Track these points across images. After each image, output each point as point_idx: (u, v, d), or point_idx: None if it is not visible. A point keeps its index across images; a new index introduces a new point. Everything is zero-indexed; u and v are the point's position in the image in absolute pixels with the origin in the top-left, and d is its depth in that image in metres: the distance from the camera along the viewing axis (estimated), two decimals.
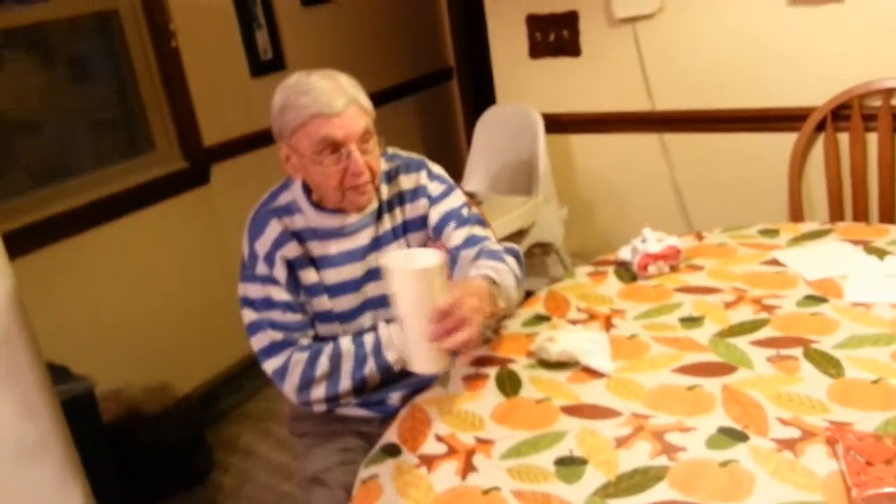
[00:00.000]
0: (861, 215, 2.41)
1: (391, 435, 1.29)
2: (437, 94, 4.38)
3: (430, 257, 1.20)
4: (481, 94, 4.13)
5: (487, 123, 3.04)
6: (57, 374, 1.94)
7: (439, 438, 1.25)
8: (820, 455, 1.08)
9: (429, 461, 1.20)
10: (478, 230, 1.52)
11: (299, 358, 1.42)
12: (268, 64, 3.28)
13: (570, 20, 2.75)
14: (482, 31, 3.02)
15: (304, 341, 1.44)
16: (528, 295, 1.74)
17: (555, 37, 2.79)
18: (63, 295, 2.56)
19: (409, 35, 4.13)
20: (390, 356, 1.38)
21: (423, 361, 1.19)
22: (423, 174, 1.53)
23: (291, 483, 2.53)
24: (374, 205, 1.49)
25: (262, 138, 3.17)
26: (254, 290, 1.46)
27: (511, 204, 2.71)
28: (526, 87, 2.94)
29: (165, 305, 2.89)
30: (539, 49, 2.84)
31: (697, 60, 2.59)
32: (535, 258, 3.02)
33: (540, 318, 1.60)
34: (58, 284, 2.55)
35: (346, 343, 1.42)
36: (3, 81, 2.49)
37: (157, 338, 2.85)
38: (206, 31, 3.02)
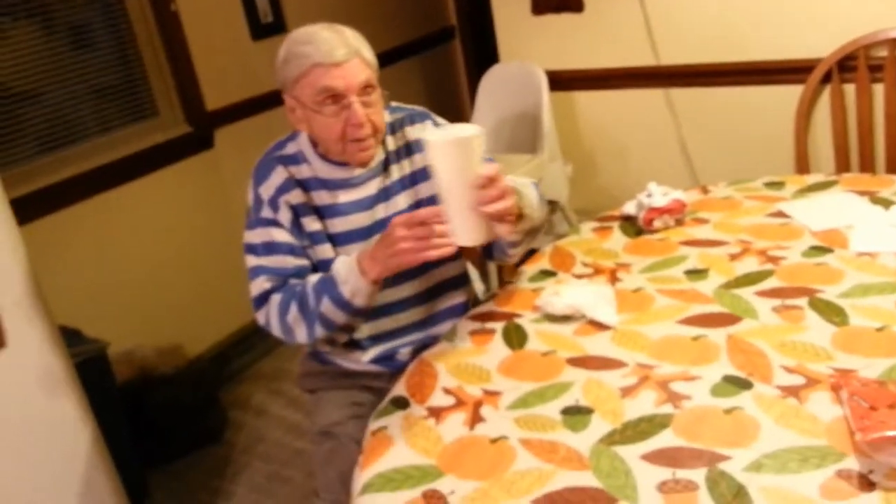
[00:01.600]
0: (867, 166, 2.40)
1: (399, 388, 1.31)
2: (440, 54, 4.34)
3: (469, 128, 1.19)
4: (484, 53, 4.09)
5: (490, 82, 3.02)
6: (69, 337, 1.97)
7: (447, 391, 1.27)
8: (824, 401, 1.09)
9: (437, 413, 1.22)
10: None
11: (275, 301, 1.43)
12: (268, 27, 3.26)
13: None
14: None
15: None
16: (533, 252, 1.75)
17: None
18: (73, 259, 2.59)
19: None
20: (344, 291, 1.35)
21: (466, 232, 1.20)
22: (429, 124, 1.54)
23: (304, 440, 2.57)
24: (381, 156, 1.49)
25: (265, 102, 3.16)
26: (256, 236, 1.47)
27: (516, 162, 2.70)
28: (529, 44, 2.91)
29: (175, 268, 2.91)
30: (541, 5, 2.81)
31: (702, 13, 2.56)
32: None
33: (545, 274, 1.61)
34: (67, 249, 2.57)
35: (312, 280, 1.42)
36: (4, 50, 2.48)
37: (168, 300, 2.88)
38: None
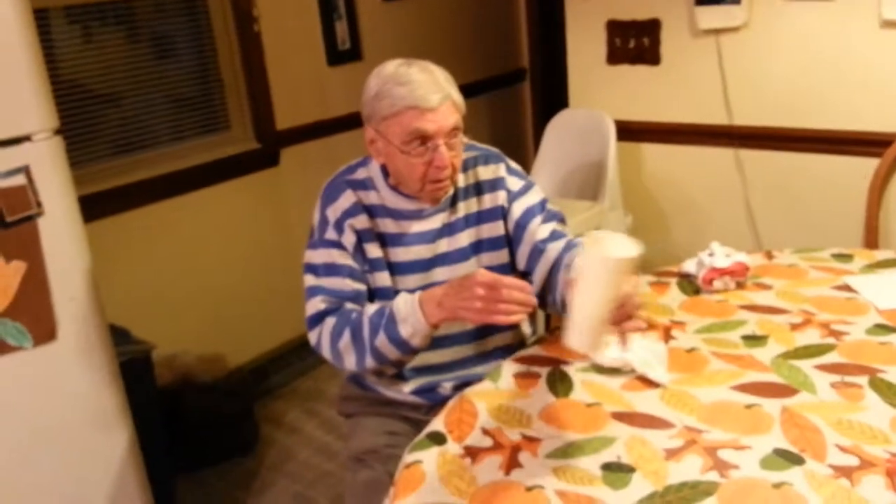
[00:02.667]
0: None
1: (438, 423, 1.29)
2: (509, 94, 4.37)
3: (629, 247, 1.17)
4: (553, 98, 4.09)
5: (558, 126, 3.02)
6: (118, 336, 2.00)
7: (486, 432, 1.24)
8: (878, 485, 1.04)
9: (473, 453, 1.19)
10: (560, 226, 1.53)
11: (329, 324, 1.43)
12: (345, 54, 3.32)
13: (652, 28, 2.71)
14: (559, 33, 3.00)
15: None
16: None
17: (635, 44, 2.75)
18: (130, 261, 2.64)
19: (485, 34, 4.12)
20: (403, 331, 1.34)
21: (585, 339, 1.16)
22: (503, 167, 1.54)
23: (333, 462, 2.55)
24: (450, 191, 1.50)
25: (334, 126, 3.21)
26: (318, 256, 1.48)
27: (576, 208, 2.68)
28: (600, 92, 2.91)
29: (226, 280, 2.95)
30: (617, 55, 2.81)
31: (780, 77, 2.53)
32: None
33: None
34: (126, 251, 2.63)
35: (369, 311, 1.40)
36: (90, 54, 2.57)
37: (216, 310, 2.91)
38: (288, 18, 3.07)
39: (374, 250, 1.48)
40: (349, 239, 1.46)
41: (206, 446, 2.59)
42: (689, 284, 1.72)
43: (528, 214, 1.52)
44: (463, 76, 3.90)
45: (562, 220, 1.55)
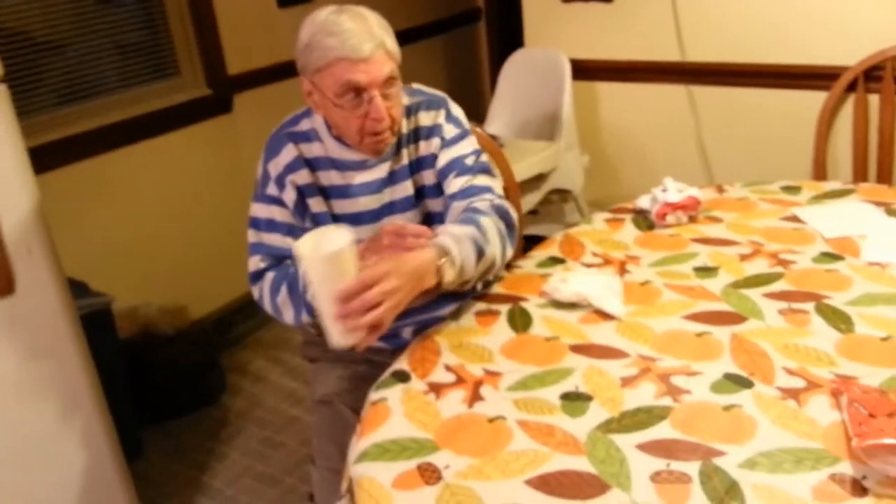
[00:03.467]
0: (885, 177, 2.39)
1: (401, 362, 1.31)
2: (465, 35, 4.32)
3: (339, 239, 1.18)
4: (509, 38, 4.07)
5: (514, 66, 3.01)
6: (76, 289, 1.99)
7: (448, 368, 1.27)
8: (823, 405, 1.09)
9: (437, 388, 1.22)
10: (480, 180, 1.49)
11: (268, 279, 1.46)
12: None
13: None
14: None
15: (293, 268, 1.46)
16: (542, 239, 1.75)
17: None
18: (84, 213, 2.60)
19: None
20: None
21: (334, 336, 1.20)
22: (442, 113, 1.52)
23: (299, 408, 2.59)
24: (391, 141, 1.48)
25: (286, 70, 3.15)
26: (261, 210, 1.49)
27: (532, 148, 2.69)
28: (555, 31, 2.89)
29: (184, 229, 2.92)
30: None
31: (731, 12, 2.54)
32: (553, 205, 3.01)
33: (554, 260, 1.61)
34: (80, 202, 2.58)
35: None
36: (31, 1, 2.48)
37: (175, 261, 2.89)
38: None
39: (317, 205, 1.48)
40: (290, 196, 1.46)
41: (172, 397, 2.61)
42: (644, 220, 1.76)
43: (449, 167, 1.49)
44: (417, 17, 3.88)
45: (486, 171, 1.51)
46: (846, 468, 0.97)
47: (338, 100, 1.35)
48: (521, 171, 2.51)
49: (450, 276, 1.29)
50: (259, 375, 2.83)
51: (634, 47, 2.76)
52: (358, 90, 1.34)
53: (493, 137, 2.35)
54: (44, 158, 2.30)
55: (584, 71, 2.86)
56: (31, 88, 2.50)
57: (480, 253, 1.34)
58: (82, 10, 2.61)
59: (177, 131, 2.87)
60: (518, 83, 3.00)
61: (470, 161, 1.50)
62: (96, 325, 2.08)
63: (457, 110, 1.55)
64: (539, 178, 2.70)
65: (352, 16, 1.35)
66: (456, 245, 1.30)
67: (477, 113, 3.72)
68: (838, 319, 1.29)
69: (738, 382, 1.16)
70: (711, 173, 2.78)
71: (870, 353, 1.19)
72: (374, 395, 1.23)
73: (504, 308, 1.44)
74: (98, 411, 1.83)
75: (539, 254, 1.65)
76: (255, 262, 1.50)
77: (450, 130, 1.51)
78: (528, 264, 1.61)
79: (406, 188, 1.51)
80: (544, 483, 1.00)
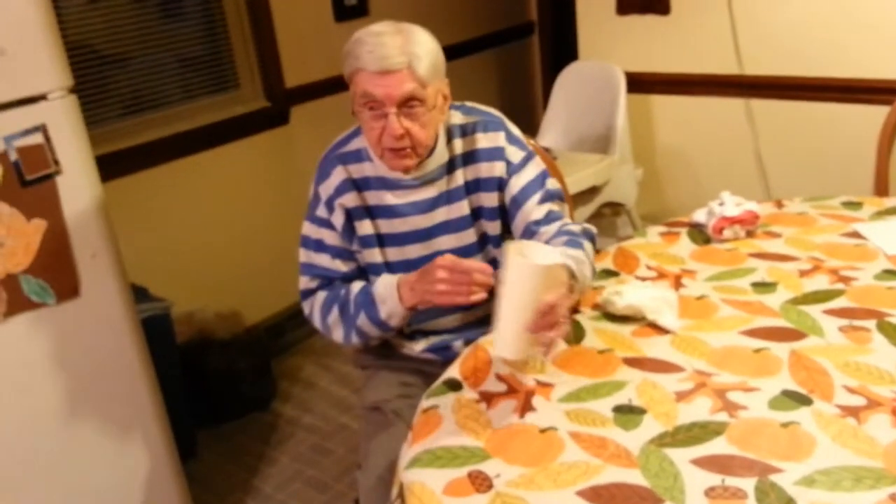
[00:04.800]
0: None
1: (453, 371, 1.32)
2: (518, 48, 4.33)
3: (553, 255, 1.21)
4: (562, 51, 4.06)
5: (568, 79, 3.00)
6: (137, 294, 2.04)
7: (500, 378, 1.28)
8: (884, 424, 1.07)
9: (488, 398, 1.23)
10: (557, 206, 1.51)
11: (320, 299, 1.50)
12: (352, 10, 3.30)
13: None
14: None
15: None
16: (596, 252, 1.74)
17: None
18: (146, 220, 2.67)
19: None
20: (381, 312, 1.42)
21: (509, 346, 1.18)
22: (502, 135, 1.50)
23: (349, 416, 2.61)
24: (445, 157, 1.48)
25: (342, 83, 3.14)
26: (311, 231, 1.53)
27: (586, 161, 2.68)
28: (610, 44, 2.89)
29: (240, 238, 2.98)
30: (627, 5, 2.78)
31: (791, 25, 2.50)
32: (606, 218, 2.99)
33: (608, 273, 1.60)
34: (142, 210, 2.66)
35: (355, 289, 1.47)
36: (97, 15, 2.57)
37: (231, 268, 2.95)
38: None
39: (365, 227, 1.49)
40: (338, 219, 1.48)
41: (225, 401, 2.65)
42: (700, 234, 1.73)
43: (526, 191, 1.48)
44: (471, 30, 3.90)
45: (560, 198, 1.53)
46: None
47: (359, 108, 1.37)
48: (574, 184, 2.51)
49: (575, 297, 1.31)
50: (310, 382, 2.87)
51: (691, 60, 2.74)
52: (374, 104, 1.34)
53: (547, 150, 2.35)
54: (109, 167, 2.38)
55: (639, 84, 2.84)
56: (98, 100, 2.59)
57: (593, 275, 1.41)
58: (146, 24, 2.70)
59: (235, 142, 2.93)
60: (572, 96, 2.99)
61: (549, 185, 1.51)
62: (155, 329, 2.14)
63: (516, 130, 1.54)
64: (592, 191, 2.69)
65: (394, 31, 1.34)
66: (577, 267, 1.32)
67: (530, 125, 3.72)
68: None
69: (796, 399, 1.14)
70: (769, 188, 2.73)
71: None
72: (425, 403, 1.24)
73: None
74: (156, 413, 1.87)
75: None
76: (306, 282, 1.54)
77: (514, 154, 1.49)
78: None
79: (461, 208, 1.50)
80: (596, 495, 0.99)
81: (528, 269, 1.15)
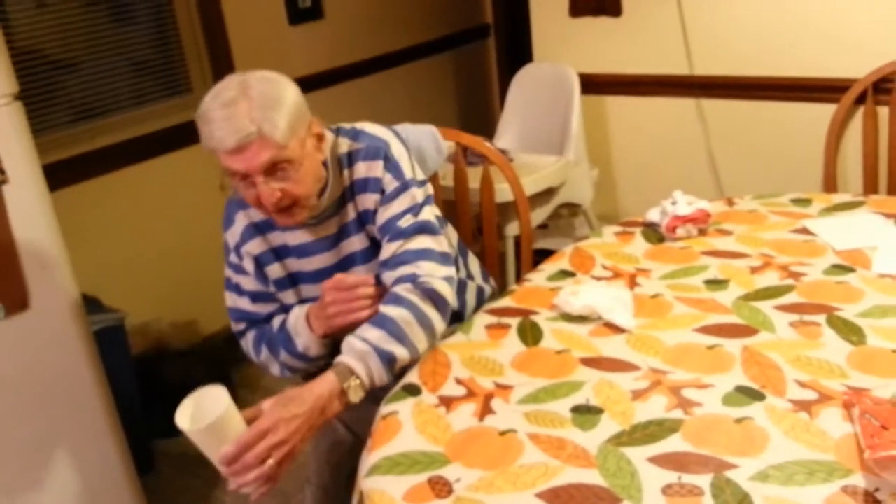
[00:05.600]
0: (895, 189, 2.38)
1: (412, 376, 1.31)
2: (473, 51, 4.34)
3: (217, 404, 1.14)
4: (518, 53, 4.09)
5: (523, 81, 3.02)
6: (89, 305, 2.00)
7: (459, 381, 1.28)
8: (835, 418, 1.09)
9: (448, 402, 1.23)
10: (416, 243, 1.40)
11: (250, 338, 1.50)
12: (305, 12, 3.28)
13: None
14: None
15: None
16: (552, 253, 1.75)
17: None
18: (98, 229, 2.62)
19: None
20: (299, 344, 1.42)
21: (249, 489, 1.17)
22: (380, 164, 1.42)
23: None
24: (339, 191, 1.43)
25: (298, 87, 3.18)
26: (231, 275, 1.52)
27: (542, 163, 2.70)
28: (564, 45, 2.91)
29: (196, 246, 2.94)
30: (580, 7, 2.80)
31: (740, 26, 2.55)
32: (563, 219, 3.02)
33: (564, 274, 1.62)
34: (93, 219, 2.60)
35: (276, 325, 1.47)
36: (46, 19, 2.52)
37: (186, 277, 2.91)
38: None
39: (274, 271, 1.47)
40: (249, 265, 1.47)
41: None
42: (654, 233, 1.76)
43: (385, 227, 1.42)
44: (426, 33, 3.91)
45: (425, 230, 1.42)
46: (859, 480, 0.97)
47: (232, 181, 1.32)
48: (531, 186, 2.52)
49: (357, 396, 1.25)
50: (270, 390, 2.82)
51: (643, 61, 2.77)
52: (242, 175, 1.29)
53: (503, 152, 2.36)
54: (58, 175, 2.33)
55: (593, 85, 2.87)
56: (45, 106, 2.54)
57: (391, 360, 1.28)
58: (96, 28, 2.65)
59: (189, 148, 2.89)
60: (527, 98, 3.01)
61: (404, 223, 1.41)
62: (109, 340, 2.10)
63: (398, 154, 1.44)
64: (549, 192, 2.71)
65: (225, 101, 1.25)
66: (361, 363, 1.25)
67: (486, 127, 3.73)
68: (850, 331, 1.29)
69: (749, 395, 1.16)
70: (721, 186, 2.78)
71: (882, 365, 1.19)
72: (384, 409, 1.24)
73: (514, 321, 1.45)
74: (110, 425, 1.83)
75: (549, 267, 1.66)
76: (234, 325, 1.53)
77: (389, 183, 1.42)
78: (539, 278, 1.61)
79: (361, 241, 1.46)
80: (555, 496, 1.00)
81: (192, 435, 1.13)
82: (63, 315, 1.71)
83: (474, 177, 2.00)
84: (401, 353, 1.29)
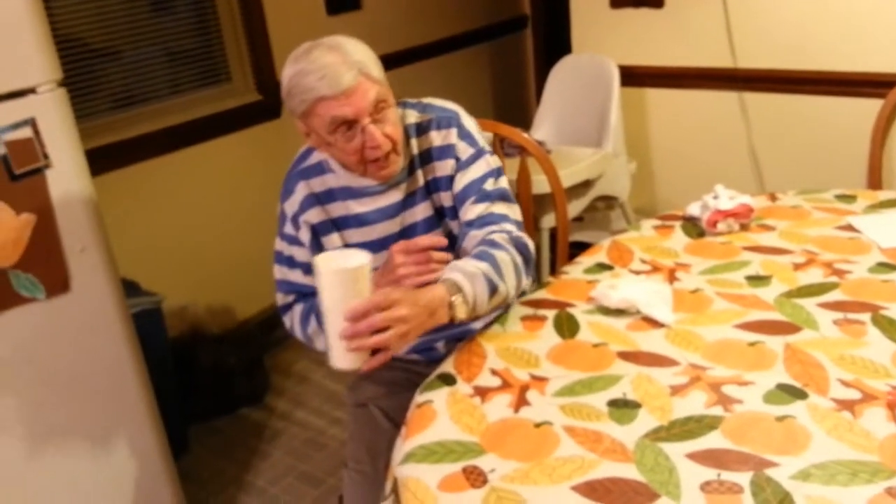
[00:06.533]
0: None
1: (447, 365, 1.31)
2: (511, 42, 4.32)
3: (358, 257, 1.17)
4: (555, 45, 4.06)
5: (561, 72, 3.00)
6: (128, 288, 2.03)
7: (494, 372, 1.27)
8: (879, 418, 1.06)
9: (483, 392, 1.22)
10: (498, 208, 1.44)
11: (297, 311, 1.50)
12: (344, 2, 3.29)
13: None
14: None
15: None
16: (588, 246, 1.74)
17: None
18: (137, 214, 2.66)
19: None
20: None
21: (335, 356, 1.19)
22: (454, 132, 1.46)
23: (342, 410, 2.61)
24: (407, 159, 1.45)
25: None
26: (283, 247, 1.53)
27: (579, 155, 2.68)
28: (603, 37, 2.88)
29: (233, 232, 2.97)
30: None
31: (785, 18, 2.50)
32: (599, 212, 2.99)
33: (602, 267, 1.60)
34: (133, 204, 2.64)
35: None
36: (88, 7, 2.55)
37: (223, 262, 2.94)
38: None
39: (333, 241, 1.48)
40: (305, 235, 1.48)
41: (218, 396, 2.65)
42: (694, 227, 1.73)
43: (467, 190, 1.45)
44: (464, 24, 3.89)
45: (504, 198, 1.46)
46: None
47: (331, 137, 1.34)
48: (568, 178, 2.50)
49: (462, 312, 1.26)
50: (303, 376, 2.86)
51: (684, 53, 2.73)
52: (348, 123, 1.32)
53: (540, 143, 2.35)
54: (99, 161, 2.36)
55: (633, 77, 2.84)
56: (88, 93, 2.57)
57: (493, 289, 1.30)
58: (137, 17, 2.68)
59: (226, 136, 2.92)
60: (565, 90, 2.98)
61: (488, 186, 1.45)
62: (147, 323, 2.13)
63: (469, 124, 1.49)
64: (585, 185, 2.69)
65: (325, 49, 1.31)
66: (469, 282, 1.27)
67: (522, 119, 3.71)
68: (895, 330, 1.26)
69: (791, 393, 1.13)
70: (763, 181, 2.73)
71: None
72: (419, 398, 1.24)
73: (551, 313, 1.43)
74: (147, 408, 1.86)
75: (586, 260, 1.64)
76: (282, 297, 1.54)
77: (464, 150, 1.46)
78: (576, 270, 1.60)
79: (425, 209, 1.48)
80: (591, 489, 0.99)
81: (326, 274, 1.14)
82: (102, 297, 1.74)
83: (510, 168, 1.99)
84: (502, 287, 1.32)
